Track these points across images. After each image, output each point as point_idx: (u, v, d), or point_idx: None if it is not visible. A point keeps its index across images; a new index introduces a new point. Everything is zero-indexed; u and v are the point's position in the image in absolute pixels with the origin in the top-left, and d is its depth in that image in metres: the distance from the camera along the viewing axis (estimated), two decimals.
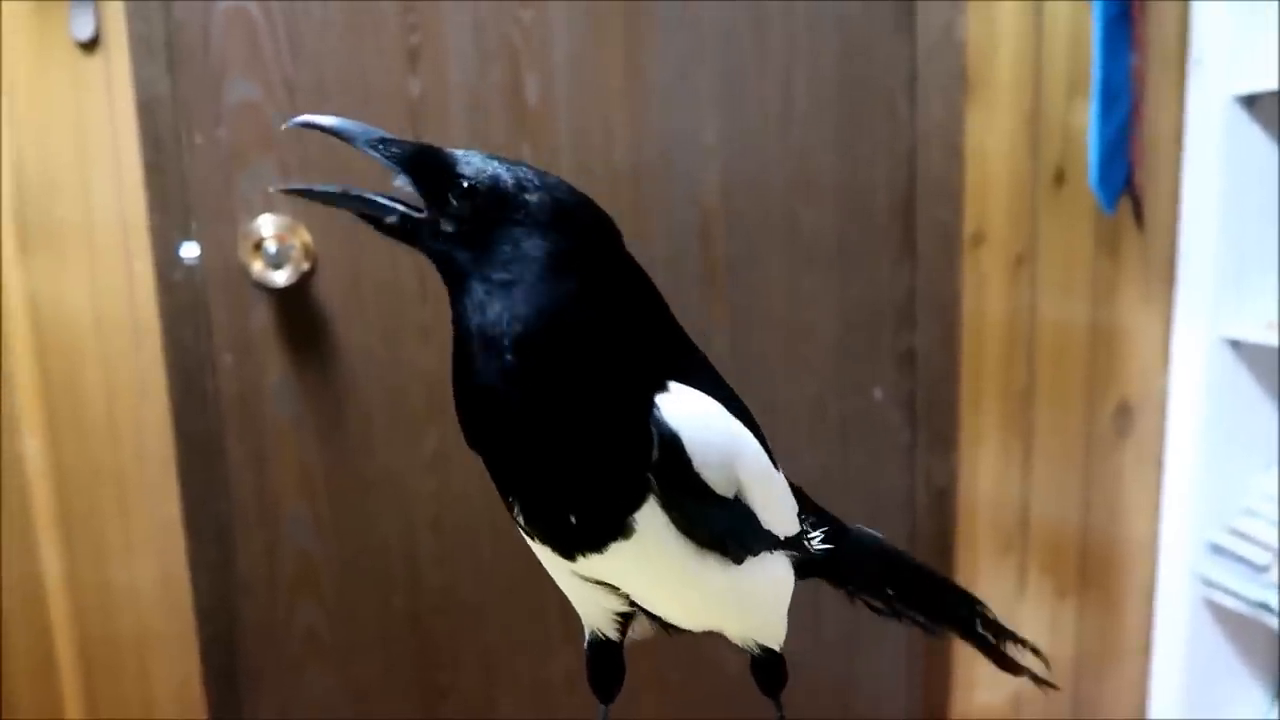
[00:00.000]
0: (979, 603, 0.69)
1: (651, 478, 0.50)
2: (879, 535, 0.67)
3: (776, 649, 0.60)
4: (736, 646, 0.60)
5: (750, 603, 0.58)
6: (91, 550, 1.33)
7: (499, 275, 0.49)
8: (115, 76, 1.23)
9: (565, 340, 0.49)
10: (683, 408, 0.51)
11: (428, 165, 0.51)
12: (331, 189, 0.52)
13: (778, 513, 0.57)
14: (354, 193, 0.52)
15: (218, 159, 1.26)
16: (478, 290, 0.49)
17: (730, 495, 0.53)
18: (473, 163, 0.51)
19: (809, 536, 0.61)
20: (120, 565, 1.33)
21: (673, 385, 0.51)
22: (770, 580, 0.58)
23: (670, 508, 0.51)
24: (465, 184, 0.50)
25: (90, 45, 1.22)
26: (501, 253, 0.50)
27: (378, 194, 0.51)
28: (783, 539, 0.58)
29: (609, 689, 0.62)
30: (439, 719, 1.41)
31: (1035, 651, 0.70)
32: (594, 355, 0.49)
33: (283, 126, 0.52)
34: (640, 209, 1.32)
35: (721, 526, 0.53)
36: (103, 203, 1.26)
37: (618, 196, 1.30)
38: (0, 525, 1.31)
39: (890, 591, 0.68)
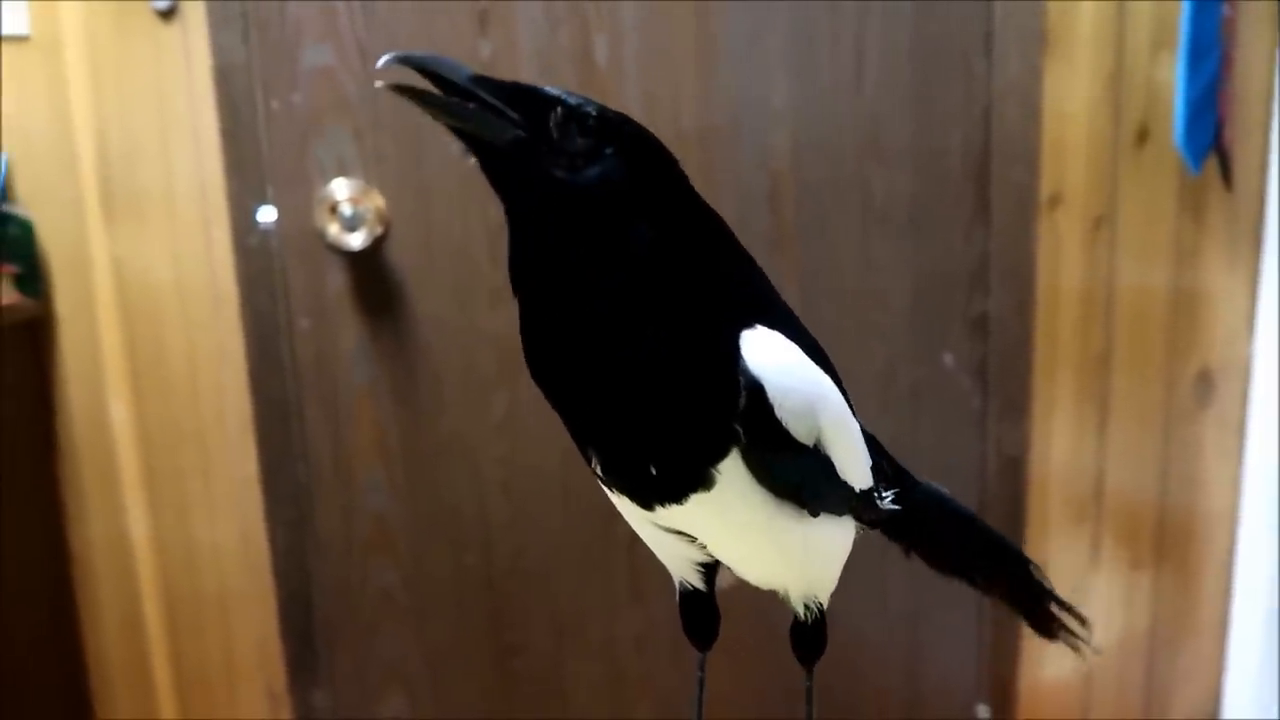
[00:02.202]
0: (1033, 563, 0.69)
1: (738, 428, 0.49)
2: (944, 491, 0.66)
3: (825, 606, 0.59)
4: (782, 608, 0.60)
5: (819, 555, 0.57)
6: (175, 510, 1.37)
7: (602, 212, 0.48)
8: (193, 44, 1.25)
9: (661, 280, 0.48)
10: (766, 353, 0.50)
11: (532, 102, 0.49)
12: (443, 97, 0.48)
13: (854, 464, 0.56)
14: (470, 106, 0.47)
15: (293, 124, 1.28)
16: (584, 226, 0.48)
17: (810, 444, 0.52)
18: (578, 98, 0.49)
19: (881, 495, 0.59)
20: (202, 524, 1.37)
21: (757, 328, 0.50)
22: (838, 533, 0.57)
23: (752, 457, 0.50)
24: (589, 119, 0.48)
25: (168, 14, 1.25)
26: (604, 187, 0.48)
27: (489, 109, 0.48)
28: (856, 491, 0.57)
29: (704, 637, 0.62)
30: (508, 677, 1.44)
31: (1081, 620, 0.69)
32: (686, 297, 0.48)
33: (380, 63, 0.47)
34: (709, 172, 1.31)
35: (799, 477, 0.52)
36: (182, 169, 1.29)
37: (686, 159, 1.26)
38: (88, 486, 1.36)
39: (948, 550, 0.67)
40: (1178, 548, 1.46)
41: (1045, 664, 1.46)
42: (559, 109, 0.48)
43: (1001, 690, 1.46)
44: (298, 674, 1.40)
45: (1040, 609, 0.69)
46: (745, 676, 1.41)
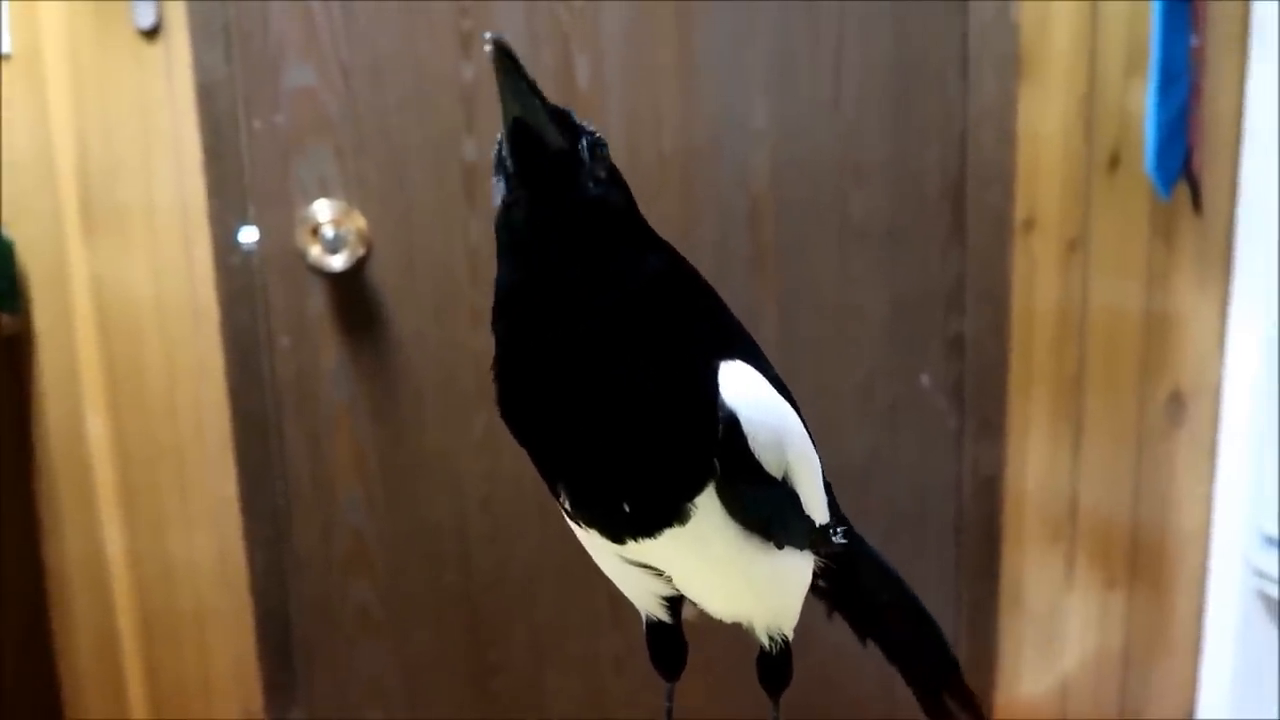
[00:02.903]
0: (954, 659, 0.69)
1: (716, 461, 0.49)
2: (878, 551, 0.67)
3: (790, 638, 0.60)
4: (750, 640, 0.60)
5: (784, 588, 0.58)
6: (152, 526, 1.36)
7: (613, 230, 0.49)
8: (176, 63, 1.26)
9: (650, 306, 0.49)
10: (741, 386, 0.50)
11: (569, 124, 0.49)
12: (532, 82, 0.47)
13: (815, 497, 0.57)
14: (539, 102, 0.47)
15: (275, 144, 1.28)
16: (598, 239, 0.48)
17: (779, 477, 0.53)
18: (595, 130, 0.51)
19: (835, 530, 0.60)
20: (179, 541, 1.37)
21: (729, 362, 0.51)
22: (801, 566, 0.58)
23: (727, 491, 0.50)
24: (606, 150, 0.50)
25: (152, 33, 1.25)
26: (618, 208, 0.50)
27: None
28: (817, 525, 0.57)
29: (672, 667, 0.62)
30: (488, 695, 1.44)
31: (978, 708, 0.69)
32: (671, 325, 0.49)
33: (487, 37, 0.45)
34: (690, 192, 1.32)
35: (769, 510, 0.53)
36: (164, 188, 1.29)
37: (667, 179, 1.31)
38: (64, 501, 1.35)
39: (875, 608, 0.67)
40: (1151, 566, 1.48)
41: (1021, 680, 1.47)
42: (587, 136, 0.50)
43: None
44: (275, 693, 1.39)
45: (943, 684, 0.69)
46: (722, 698, 1.41)
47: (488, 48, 0.45)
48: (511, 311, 0.49)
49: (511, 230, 0.49)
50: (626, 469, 0.49)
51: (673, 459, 0.49)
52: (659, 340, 0.48)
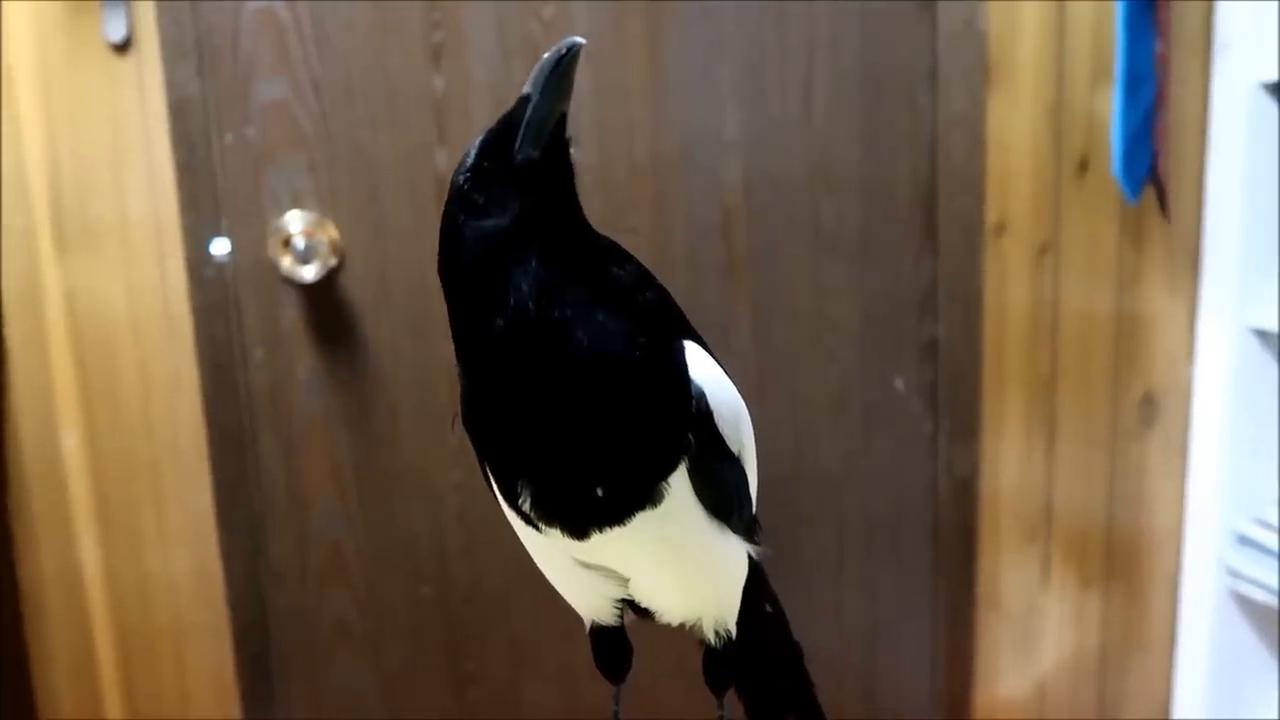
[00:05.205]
0: (809, 679, 0.69)
1: (690, 437, 0.50)
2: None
3: (734, 633, 0.60)
4: (693, 640, 0.60)
5: (733, 576, 0.58)
6: (128, 541, 1.36)
7: (583, 228, 0.51)
8: (147, 78, 1.26)
9: (618, 293, 0.49)
10: (702, 364, 0.52)
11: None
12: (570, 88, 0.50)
13: (754, 477, 0.57)
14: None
15: (247, 157, 1.28)
16: (574, 238, 0.50)
17: (736, 453, 0.54)
18: None
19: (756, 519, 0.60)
20: (156, 556, 1.37)
21: (687, 341, 0.52)
22: (742, 554, 0.58)
23: (696, 468, 0.51)
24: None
25: (123, 47, 1.25)
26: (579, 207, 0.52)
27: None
28: (754, 508, 0.58)
29: (619, 671, 0.62)
30: (466, 705, 1.44)
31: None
32: (638, 309, 0.50)
33: (580, 41, 0.49)
34: (662, 203, 1.33)
35: (732, 486, 0.54)
36: (136, 202, 1.29)
37: (639, 190, 1.31)
38: (40, 517, 1.35)
39: (753, 624, 0.65)
40: (1126, 566, 1.49)
41: (999, 679, 1.48)
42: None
43: (956, 705, 1.48)
44: (253, 705, 1.39)
45: (793, 705, 0.68)
46: (695, 700, 1.41)
47: (570, 42, 0.48)
48: (493, 301, 0.49)
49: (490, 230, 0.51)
50: (605, 449, 0.49)
51: (653, 436, 0.49)
52: (632, 319, 0.49)
